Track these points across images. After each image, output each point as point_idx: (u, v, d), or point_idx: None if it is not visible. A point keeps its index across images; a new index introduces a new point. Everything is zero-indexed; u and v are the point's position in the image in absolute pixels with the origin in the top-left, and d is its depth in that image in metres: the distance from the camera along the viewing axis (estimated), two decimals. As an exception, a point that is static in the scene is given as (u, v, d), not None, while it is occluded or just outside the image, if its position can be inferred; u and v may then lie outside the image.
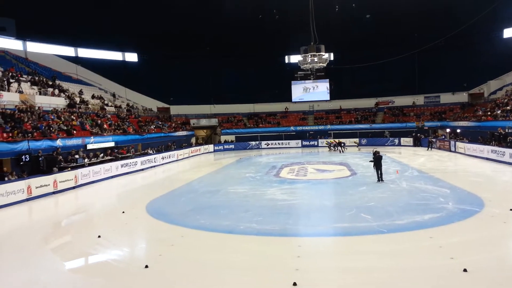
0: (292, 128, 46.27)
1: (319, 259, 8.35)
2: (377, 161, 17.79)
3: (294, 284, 6.76)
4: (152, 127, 36.07)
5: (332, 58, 46.15)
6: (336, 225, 11.17)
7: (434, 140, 35.74)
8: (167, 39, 44.91)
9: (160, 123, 39.38)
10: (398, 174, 19.87)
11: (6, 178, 16.73)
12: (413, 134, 40.03)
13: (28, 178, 17.04)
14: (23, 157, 18.87)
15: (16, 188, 15.74)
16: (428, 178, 18.76)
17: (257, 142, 44.93)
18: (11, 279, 7.92)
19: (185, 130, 43.07)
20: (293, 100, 50.14)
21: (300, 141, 44.43)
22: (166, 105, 47.85)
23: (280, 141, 44.97)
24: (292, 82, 49.26)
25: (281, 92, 49.36)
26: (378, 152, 18.27)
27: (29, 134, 19.92)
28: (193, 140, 45.80)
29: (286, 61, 51.61)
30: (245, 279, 7.31)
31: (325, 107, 49.62)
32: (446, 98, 45.27)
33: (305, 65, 29.78)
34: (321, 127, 45.84)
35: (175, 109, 47.71)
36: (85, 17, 38.70)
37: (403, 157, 29.74)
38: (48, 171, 18.89)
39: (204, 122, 48.25)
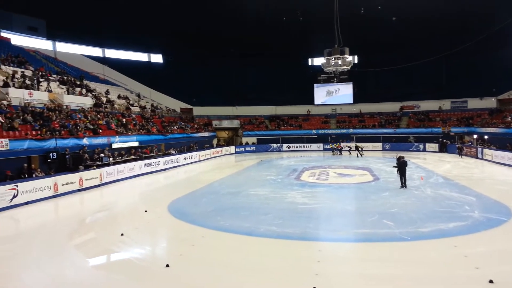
0: (314, 131, 45.98)
1: (340, 264, 8.27)
2: (401, 166, 17.51)
3: (314, 289, 6.73)
4: (175, 127, 36.57)
5: (356, 61, 45.74)
6: (357, 231, 11.03)
7: (462, 146, 34.82)
8: (191, 41, 45.54)
9: (183, 124, 39.87)
10: (423, 181, 19.45)
11: (34, 175, 17.30)
12: (439, 140, 39.10)
13: (55, 175, 17.58)
14: (51, 154, 19.45)
15: (44, 185, 16.25)
16: (454, 185, 18.29)
17: (279, 144, 44.87)
18: (38, 273, 8.19)
19: (207, 131, 43.47)
20: (315, 103, 49.83)
21: (321, 144, 44.11)
22: (189, 106, 48.41)
23: (302, 144, 44.77)
24: (315, 85, 48.93)
25: (303, 95, 49.17)
26: (403, 157, 17.96)
27: (57, 132, 20.52)
28: (215, 141, 46.15)
29: (309, 63, 51.47)
30: (265, 282, 7.32)
31: (348, 110, 49.12)
32: (474, 103, 44.01)
33: (329, 68, 29.56)
34: (343, 131, 45.35)
35: (198, 110, 48.20)
36: (112, 18, 39.65)
37: (428, 163, 29.09)
38: (74, 169, 19.42)
39: (226, 123, 48.53)
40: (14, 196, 14.63)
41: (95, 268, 8.70)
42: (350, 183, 19.68)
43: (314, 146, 44.26)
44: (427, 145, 39.63)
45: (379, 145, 42.01)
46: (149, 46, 47.62)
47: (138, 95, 41.17)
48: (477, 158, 30.41)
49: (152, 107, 39.42)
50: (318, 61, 45.37)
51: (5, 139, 16.93)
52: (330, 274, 7.64)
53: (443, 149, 37.70)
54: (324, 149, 43.32)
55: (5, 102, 20.27)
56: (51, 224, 13.12)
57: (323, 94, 49.61)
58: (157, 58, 49.46)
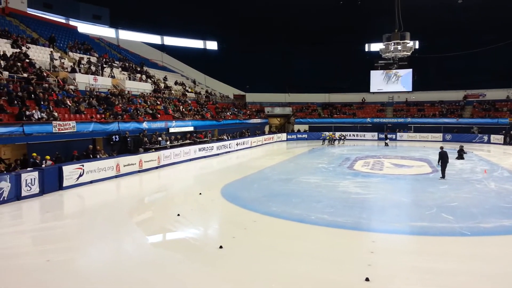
0: (368, 119, 44.62)
1: (394, 256, 8.05)
2: (441, 157, 17.08)
3: (367, 279, 6.63)
4: (228, 113, 37.18)
5: (417, 46, 43.44)
6: (413, 224, 10.65)
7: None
8: (245, 28, 45.71)
9: (235, 110, 40.42)
10: (486, 174, 18.28)
11: (98, 156, 18.47)
12: (504, 131, 36.29)
13: (117, 156, 18.66)
14: (113, 137, 20.63)
15: (107, 165, 17.31)
16: (522, 180, 17.01)
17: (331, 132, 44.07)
18: (101, 247, 8.81)
19: (259, 117, 43.74)
20: (371, 91, 48.23)
21: (376, 133, 42.70)
22: (242, 93, 48.89)
23: (355, 133, 43.66)
24: (371, 71, 47.29)
25: (358, 82, 47.73)
26: (442, 148, 17.62)
27: (119, 116, 21.68)
28: (267, 128, 46.35)
29: (366, 49, 49.73)
30: (316, 269, 7.32)
31: (406, 98, 46.98)
32: (546, 92, 40.28)
33: (387, 54, 28.52)
34: (400, 120, 43.54)
35: (251, 97, 48.54)
36: (170, 6, 40.81)
37: (492, 155, 27.24)
38: (134, 151, 20.46)
39: (278, 110, 48.49)
40: (80, 175, 15.73)
41: (153, 245, 9.18)
42: (407, 174, 18.95)
43: (368, 135, 43.02)
44: (492, 136, 36.98)
45: (439, 136, 39.89)
46: (204, 33, 48.55)
47: (194, 82, 42.25)
48: (551, 152, 27.96)
49: (206, 93, 40.31)
50: (375, 46, 43.77)
51: (72, 121, 18.18)
52: (384, 265, 7.47)
53: (509, 141, 35.02)
54: (379, 139, 41.94)
55: (72, 87, 21.70)
56: (113, 202, 14.01)
57: (379, 81, 47.87)
58: (212, 45, 50.35)
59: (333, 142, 36.95)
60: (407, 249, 8.84)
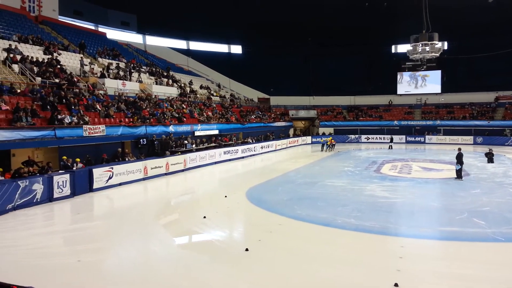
0: (395, 122, 43.71)
1: (424, 262, 7.83)
2: (458, 158, 17.39)
3: (396, 285, 6.47)
4: (252, 117, 37.31)
5: (446, 47, 42.29)
6: (443, 229, 10.35)
7: None
8: (269, 30, 45.79)
9: (260, 113, 40.50)
10: (521, 178, 17.57)
11: (126, 159, 18.90)
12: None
13: (145, 159, 19.04)
14: (141, 140, 21.08)
15: (135, 168, 17.69)
16: (560, 185, 16.24)
17: (357, 135, 43.49)
18: (130, 248, 8.97)
19: (283, 121, 43.68)
20: (398, 93, 47.31)
21: (404, 136, 41.78)
22: (266, 96, 48.98)
23: (382, 136, 42.86)
24: (398, 73, 46.43)
25: (385, 84, 46.94)
26: (460, 149, 17.85)
27: (147, 120, 22.13)
28: (291, 131, 46.21)
29: (393, 50, 48.85)
30: (343, 273, 7.22)
31: (434, 100, 45.77)
32: None
33: (415, 55, 27.86)
34: (429, 122, 42.46)
35: (275, 100, 48.52)
36: (196, 12, 41.40)
37: (528, 159, 26.16)
38: (161, 154, 20.82)
39: (302, 113, 48.25)
40: (110, 178, 16.13)
41: (180, 246, 9.30)
42: (436, 178, 18.45)
43: (396, 138, 42.04)
44: (527, 139, 35.56)
45: (469, 139, 38.65)
46: (229, 37, 49.00)
47: (219, 85, 42.65)
48: None
49: (231, 97, 40.60)
50: (402, 48, 42.91)
51: (102, 125, 18.68)
52: (414, 271, 7.28)
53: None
54: (407, 142, 41.05)
55: (102, 92, 22.32)
56: (141, 204, 14.27)
57: (407, 83, 46.91)
58: (236, 49, 50.74)
59: (333, 148, 34.10)
60: (437, 254, 8.60)
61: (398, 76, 46.74)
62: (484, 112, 41.62)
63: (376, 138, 42.55)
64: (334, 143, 34.82)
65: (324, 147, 33.77)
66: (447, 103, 44.79)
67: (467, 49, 41.06)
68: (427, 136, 40.73)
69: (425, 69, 39.53)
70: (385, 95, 47.43)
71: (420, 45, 26.92)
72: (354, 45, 46.08)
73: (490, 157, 23.12)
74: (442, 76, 44.83)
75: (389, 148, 34.91)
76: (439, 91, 45.39)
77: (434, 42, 26.91)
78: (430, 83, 45.72)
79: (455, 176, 17.49)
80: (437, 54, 28.03)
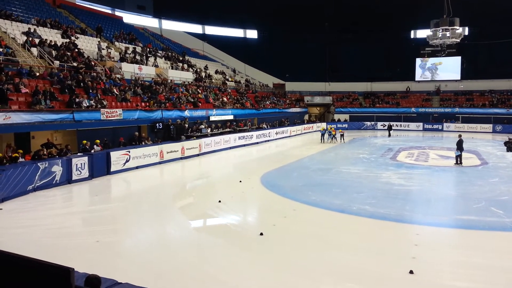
0: (413, 109, 42.97)
1: (440, 250, 7.77)
2: (458, 144, 17.91)
3: (411, 272, 6.46)
4: (267, 102, 37.16)
5: (466, 33, 41.10)
6: (460, 217, 10.23)
7: None
8: (285, 15, 45.20)
9: (275, 99, 40.30)
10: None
11: (143, 143, 19.10)
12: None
13: (161, 143, 19.22)
14: (157, 124, 21.24)
15: (152, 152, 17.89)
16: None
17: (373, 122, 42.94)
18: (147, 230, 9.15)
19: (298, 107, 43.41)
20: (416, 79, 46.37)
21: (421, 123, 41.10)
22: (281, 82, 48.62)
23: (399, 123, 42.24)
24: (417, 59, 45.40)
25: (402, 70, 46.05)
26: (460, 136, 18.25)
27: (163, 105, 22.25)
28: (306, 117, 45.92)
29: (412, 36, 47.71)
30: (358, 259, 7.21)
31: (454, 87, 44.73)
32: None
33: (435, 41, 27.25)
34: (447, 110, 41.60)
35: (290, 86, 48.14)
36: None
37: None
38: (177, 139, 20.98)
39: (318, 99, 47.80)
40: (127, 161, 16.36)
41: (195, 229, 9.44)
42: (453, 166, 18.17)
43: (413, 125, 41.47)
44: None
45: (488, 127, 37.84)
46: (245, 22, 48.50)
47: (234, 70, 42.48)
48: None
49: (246, 82, 40.44)
50: (422, 33, 41.84)
51: (119, 109, 18.86)
52: (429, 259, 7.23)
53: None
54: (424, 129, 40.40)
55: (119, 76, 22.48)
56: (157, 187, 14.48)
57: (425, 69, 45.89)
58: (252, 33, 50.27)
59: (334, 139, 29.18)
60: (453, 243, 8.52)
61: (417, 62, 45.71)
62: (504, 99, 40.52)
63: (393, 125, 41.89)
64: (342, 133, 29.82)
65: (326, 137, 29.08)
66: (466, 90, 43.74)
67: (488, 35, 39.85)
68: (445, 124, 40.02)
69: (445, 55, 38.60)
70: (403, 82, 46.56)
71: (441, 30, 26.26)
72: (372, 30, 45.14)
73: (509, 146, 22.64)
74: (462, 62, 43.69)
75: (388, 136, 33.36)
76: (458, 77, 44.31)
77: (454, 27, 26.21)
78: (449, 69, 44.49)
79: (455, 162, 17.99)
80: (458, 40, 27.35)
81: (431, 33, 27.18)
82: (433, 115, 41.86)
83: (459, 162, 17.86)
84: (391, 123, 37.33)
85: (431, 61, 44.38)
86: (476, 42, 39.31)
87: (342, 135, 29.16)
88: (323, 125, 32.25)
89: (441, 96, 44.27)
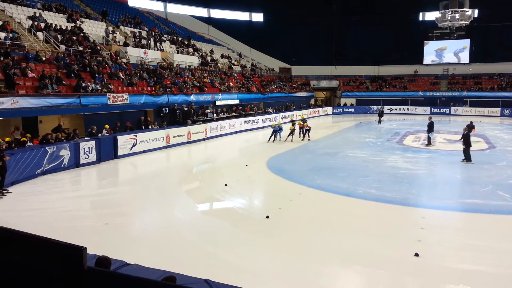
0: (420, 93, 42.52)
1: (446, 233, 7.81)
2: (429, 126, 18.82)
3: (416, 254, 6.52)
4: (273, 86, 36.96)
5: (476, 15, 40.28)
6: (466, 201, 10.24)
7: None
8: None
9: (281, 83, 40.06)
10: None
11: (150, 127, 19.18)
12: None
13: (167, 128, 19.30)
14: (163, 109, 21.29)
15: (158, 136, 17.98)
16: None
17: (380, 106, 42.54)
18: (154, 213, 9.27)
19: (304, 91, 43.13)
20: (424, 62, 45.69)
21: (429, 107, 40.69)
22: (287, 66, 48.20)
23: (406, 107, 41.92)
24: (425, 42, 44.68)
25: (410, 53, 45.30)
26: (431, 118, 19.37)
27: (168, 89, 22.24)
28: (312, 101, 45.67)
29: (420, 18, 46.84)
30: (364, 242, 7.28)
31: (462, 71, 44.07)
32: None
33: (444, 23, 26.83)
34: (455, 93, 41.09)
35: (296, 70, 47.73)
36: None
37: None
38: (183, 123, 21.03)
39: (324, 83, 47.41)
40: (134, 145, 16.46)
41: (202, 212, 9.54)
42: (460, 150, 17.96)
43: (420, 109, 41.07)
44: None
45: (496, 111, 37.41)
46: (250, 5, 47.79)
47: (239, 54, 42.18)
48: None
49: (252, 66, 40.18)
50: (431, 15, 41.07)
51: (125, 93, 18.91)
52: (435, 242, 7.28)
53: None
54: (432, 113, 39.96)
55: (124, 60, 22.43)
56: (164, 171, 14.60)
57: (433, 52, 45.19)
58: (258, 17, 49.59)
59: (307, 135, 22.18)
60: (459, 226, 8.56)
61: (425, 45, 45.00)
62: (514, 83, 39.94)
63: (400, 109, 41.66)
64: (308, 128, 22.35)
65: (277, 136, 21.62)
66: (474, 73, 43.10)
67: (498, 17, 38.99)
68: (452, 108, 39.63)
69: (454, 38, 37.93)
70: (410, 65, 45.85)
71: (450, 12, 25.79)
72: (380, 12, 44.35)
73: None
74: (471, 45, 42.93)
75: (379, 123, 30.25)
76: (467, 60, 43.61)
77: (464, 9, 25.79)
78: (458, 52, 43.73)
79: (426, 144, 18.99)
80: (467, 22, 26.95)
81: (440, 15, 26.77)
82: (440, 99, 41.42)
83: (430, 143, 18.93)
84: (382, 108, 34.80)
85: (439, 44, 43.67)
86: (486, 24, 38.50)
87: (307, 131, 22.17)
88: (278, 119, 25.93)
89: (449, 80, 43.67)
